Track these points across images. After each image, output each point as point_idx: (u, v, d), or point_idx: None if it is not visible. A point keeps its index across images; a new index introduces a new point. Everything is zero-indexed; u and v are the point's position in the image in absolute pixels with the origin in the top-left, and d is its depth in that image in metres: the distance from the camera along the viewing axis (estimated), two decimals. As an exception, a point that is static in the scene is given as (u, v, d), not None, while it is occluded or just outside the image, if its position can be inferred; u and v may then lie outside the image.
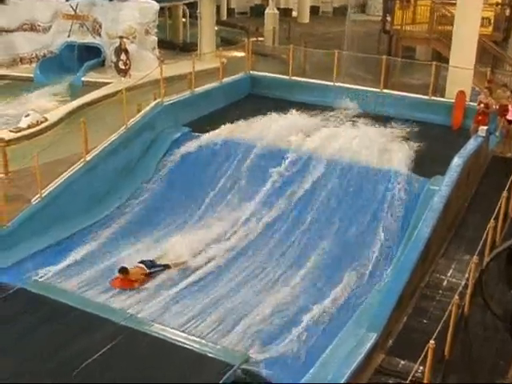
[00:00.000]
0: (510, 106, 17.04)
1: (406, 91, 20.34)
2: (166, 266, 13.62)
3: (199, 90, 19.48)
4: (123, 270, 12.99)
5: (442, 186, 13.71)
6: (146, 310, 12.11)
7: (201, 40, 32.57)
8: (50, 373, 10.14)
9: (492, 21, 26.66)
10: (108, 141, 16.32)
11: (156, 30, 30.61)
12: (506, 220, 13.36)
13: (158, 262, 13.63)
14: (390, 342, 10.68)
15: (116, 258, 13.93)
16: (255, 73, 21.89)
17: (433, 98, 19.58)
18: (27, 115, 21.77)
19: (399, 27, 27.51)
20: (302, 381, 9.92)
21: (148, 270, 13.31)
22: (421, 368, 9.02)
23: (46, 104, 24.79)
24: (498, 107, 17.45)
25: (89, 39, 29.78)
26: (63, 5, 30.18)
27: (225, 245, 14.46)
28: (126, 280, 12.97)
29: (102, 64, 29.56)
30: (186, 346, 10.88)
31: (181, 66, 22.89)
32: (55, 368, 10.24)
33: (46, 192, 14.59)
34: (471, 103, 18.58)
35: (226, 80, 20.84)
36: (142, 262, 13.44)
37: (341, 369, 9.82)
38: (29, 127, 21.26)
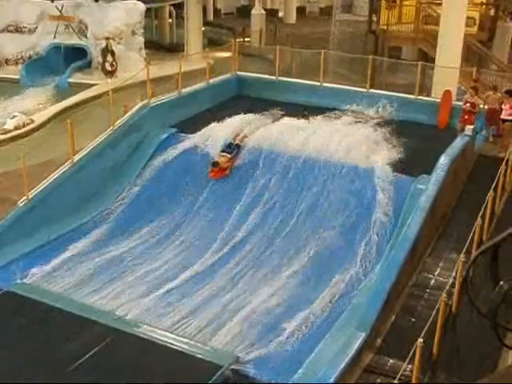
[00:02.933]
0: (503, 105, 17.11)
1: (393, 91, 20.41)
2: (238, 146, 16.31)
3: (186, 90, 19.44)
4: (215, 163, 15.97)
5: (429, 186, 13.76)
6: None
7: (187, 41, 32.58)
8: (40, 375, 10.10)
9: (477, 20, 26.87)
10: (95, 142, 16.26)
11: (142, 31, 30.61)
12: (493, 219, 13.44)
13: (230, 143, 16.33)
14: (379, 341, 10.72)
15: (105, 258, 13.91)
16: (242, 73, 21.90)
17: (419, 97, 19.66)
18: (13, 117, 21.70)
19: (385, 27, 27.65)
20: (291, 380, 9.94)
21: (230, 156, 16.08)
22: (409, 367, 9.05)
23: (32, 106, 24.72)
24: (486, 113, 17.42)
25: (75, 40, 29.70)
26: (49, 6, 30.07)
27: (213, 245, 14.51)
28: (220, 170, 15.95)
29: (89, 65, 29.50)
30: (174, 347, 10.86)
31: (167, 67, 22.87)
32: (44, 370, 10.20)
33: (33, 194, 14.53)
34: (457, 102, 18.66)
35: (212, 81, 20.82)
36: (222, 151, 16.16)
37: (329, 368, 9.84)
38: (15, 129, 21.19)
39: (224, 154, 16.11)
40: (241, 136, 16.58)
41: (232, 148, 16.26)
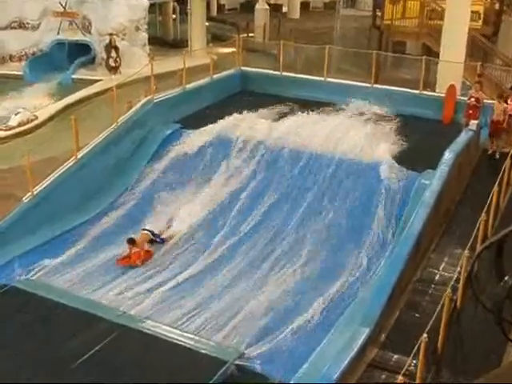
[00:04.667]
0: (509, 101, 16.97)
1: (397, 86, 20.34)
2: (165, 240, 14.55)
3: (190, 86, 19.42)
4: (131, 241, 13.75)
5: (434, 181, 13.74)
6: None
7: (191, 36, 32.52)
8: (44, 371, 10.12)
9: (482, 15, 26.77)
10: (99, 138, 16.26)
11: (146, 27, 30.55)
12: (498, 214, 13.40)
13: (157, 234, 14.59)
14: (383, 336, 10.71)
15: (108, 255, 13.91)
16: (246, 69, 21.87)
17: (423, 92, 19.61)
18: (17, 113, 21.70)
19: (389, 22, 27.57)
20: (296, 375, 9.93)
21: (152, 237, 14.28)
22: (414, 362, 9.04)
23: (35, 102, 24.71)
24: (490, 125, 17.17)
25: (78, 36, 29.62)
26: (52, 2, 30.01)
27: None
28: (133, 256, 13.66)
29: (92, 61, 29.45)
30: (179, 342, 10.87)
31: (171, 63, 22.82)
32: (49, 366, 10.22)
33: (38, 190, 14.54)
34: (462, 97, 18.60)
35: (216, 76, 20.80)
36: (145, 229, 14.39)
37: (334, 364, 9.82)
38: (19, 125, 21.19)
39: (146, 231, 14.35)
40: (169, 233, 14.84)
41: (155, 234, 14.49)
